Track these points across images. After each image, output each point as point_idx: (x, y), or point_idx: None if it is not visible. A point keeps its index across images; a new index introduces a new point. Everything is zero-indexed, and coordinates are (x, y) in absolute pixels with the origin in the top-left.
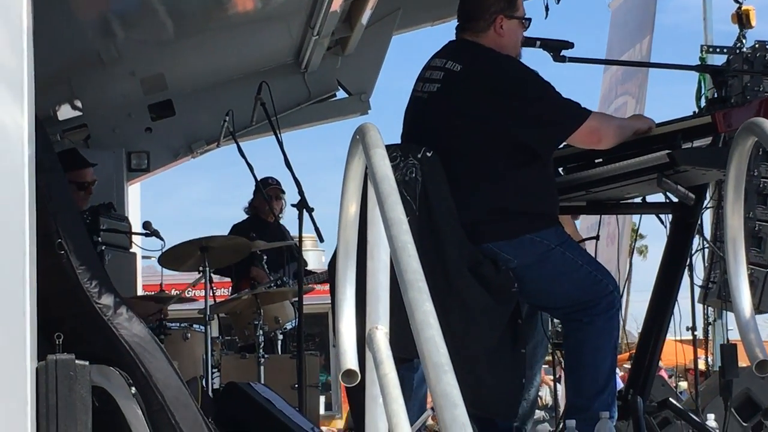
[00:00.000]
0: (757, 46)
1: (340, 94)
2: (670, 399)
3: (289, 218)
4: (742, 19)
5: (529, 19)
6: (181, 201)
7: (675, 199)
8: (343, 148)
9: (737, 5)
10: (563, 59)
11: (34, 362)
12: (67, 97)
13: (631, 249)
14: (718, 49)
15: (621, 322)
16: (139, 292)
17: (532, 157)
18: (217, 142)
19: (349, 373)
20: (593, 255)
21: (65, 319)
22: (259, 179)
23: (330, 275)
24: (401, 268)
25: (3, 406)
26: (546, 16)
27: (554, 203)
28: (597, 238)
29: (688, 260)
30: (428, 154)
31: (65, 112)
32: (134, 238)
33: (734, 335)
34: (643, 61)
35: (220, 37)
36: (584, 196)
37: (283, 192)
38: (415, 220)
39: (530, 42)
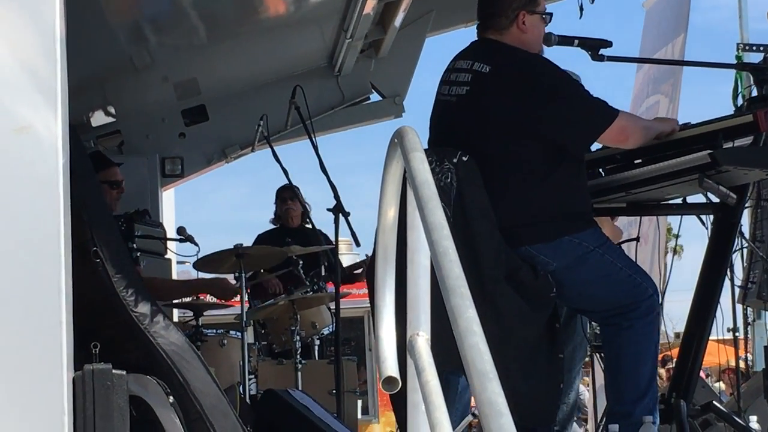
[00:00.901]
0: None
1: (374, 97)
2: (714, 402)
3: (321, 222)
4: None
5: (550, 14)
6: (216, 205)
7: (715, 200)
8: (377, 151)
9: None
10: (602, 58)
11: (70, 372)
12: (101, 104)
13: (668, 249)
14: (754, 47)
15: (661, 326)
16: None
17: (567, 157)
18: (251, 147)
19: (389, 380)
20: (632, 256)
21: (102, 329)
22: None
23: (368, 281)
24: (443, 274)
25: (40, 417)
26: (580, 16)
27: (589, 204)
28: (637, 239)
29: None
30: (464, 159)
31: (99, 119)
32: (169, 243)
33: None
34: (681, 59)
35: (253, 41)
36: (624, 198)
37: (296, 194)
38: (450, 226)
39: (568, 41)
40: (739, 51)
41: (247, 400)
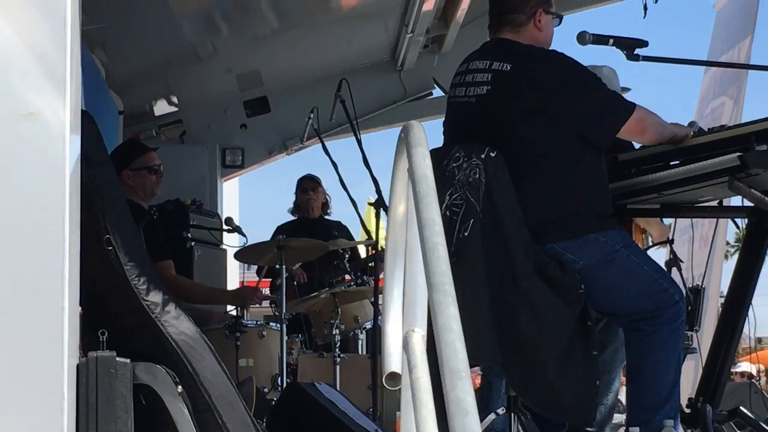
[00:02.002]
0: None
1: (437, 92)
2: (741, 408)
3: (340, 214)
4: None
5: (561, 17)
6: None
7: (750, 203)
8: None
9: None
10: (637, 58)
11: (74, 359)
12: (164, 93)
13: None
14: None
15: (684, 335)
16: (232, 286)
17: (589, 156)
18: (301, 139)
19: (392, 376)
20: (687, 258)
21: (114, 316)
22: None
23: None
24: (429, 270)
25: (42, 403)
26: (644, 16)
27: (610, 205)
28: (670, 241)
29: None
30: (492, 155)
31: (161, 108)
32: (226, 234)
33: None
34: (723, 62)
35: (316, 34)
36: (657, 199)
37: (320, 185)
38: (479, 222)
39: (603, 40)
40: None
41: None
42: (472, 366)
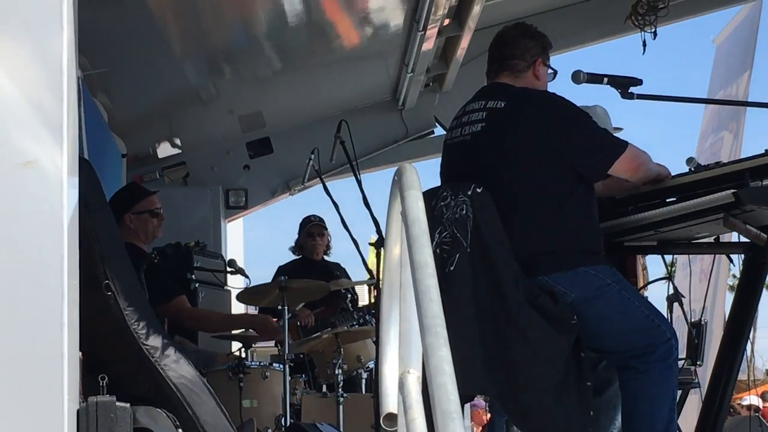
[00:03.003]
0: None
1: (438, 131)
2: None
3: (342, 254)
4: None
5: (556, 71)
6: (285, 231)
7: (746, 239)
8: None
9: None
10: (631, 96)
11: (74, 404)
12: (167, 136)
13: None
14: None
15: (678, 371)
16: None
17: (580, 190)
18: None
19: (390, 417)
20: (686, 292)
21: (114, 361)
22: (303, 218)
23: (376, 317)
24: (421, 312)
25: None
26: (644, 52)
27: (601, 242)
28: (669, 278)
29: None
30: (478, 190)
31: (165, 150)
32: (230, 275)
33: None
34: (717, 98)
35: (318, 75)
36: (654, 236)
37: (326, 229)
38: (467, 255)
39: (597, 78)
40: None
41: None
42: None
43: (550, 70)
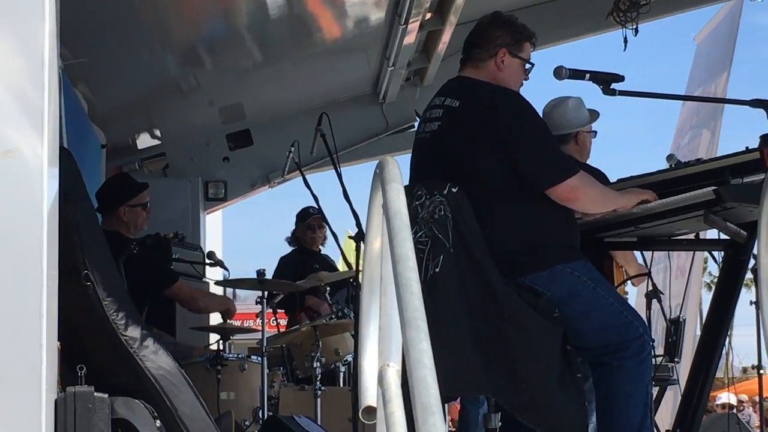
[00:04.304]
0: None
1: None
2: None
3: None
4: None
5: (532, 65)
6: (264, 223)
7: (727, 236)
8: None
9: None
10: (613, 92)
11: (52, 394)
12: (147, 126)
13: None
14: None
15: (653, 367)
16: (215, 320)
17: None
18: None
19: (369, 410)
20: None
21: (93, 351)
22: (301, 210)
23: (355, 310)
24: (402, 306)
25: None
26: (624, 48)
27: (578, 238)
28: (648, 274)
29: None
30: (453, 190)
31: (144, 141)
32: (208, 267)
33: None
34: (697, 95)
35: (299, 67)
36: (634, 232)
37: (325, 221)
38: (451, 257)
39: (579, 74)
40: None
41: None
42: (457, 397)
43: (527, 65)
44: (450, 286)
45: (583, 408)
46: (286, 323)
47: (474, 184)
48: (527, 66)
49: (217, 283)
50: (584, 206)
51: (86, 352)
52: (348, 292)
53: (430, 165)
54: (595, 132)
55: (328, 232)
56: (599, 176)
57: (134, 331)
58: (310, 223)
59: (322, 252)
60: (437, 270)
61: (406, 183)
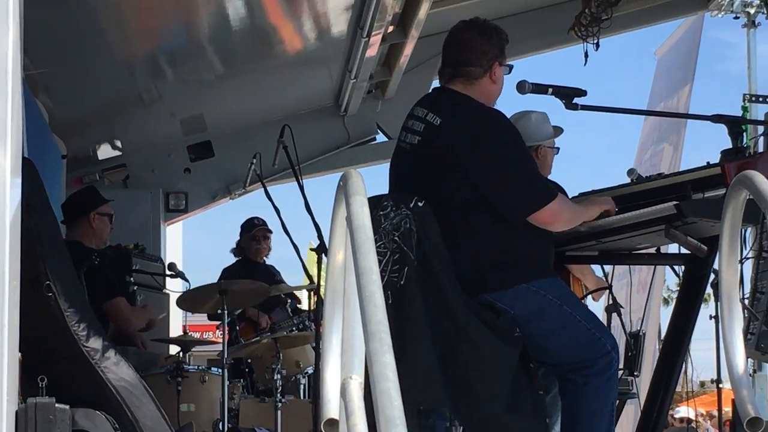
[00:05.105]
0: None
1: (380, 137)
2: None
3: (282, 258)
4: None
5: (511, 67)
6: (225, 235)
7: (687, 251)
8: (382, 191)
9: None
10: (575, 107)
11: (13, 405)
12: (108, 137)
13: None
14: (761, 98)
15: (617, 384)
16: (176, 330)
17: None
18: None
19: (331, 422)
20: (626, 303)
21: (54, 362)
22: (245, 220)
23: (317, 323)
24: (366, 319)
25: None
26: (585, 63)
27: (549, 253)
28: (609, 288)
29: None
30: (420, 204)
31: (105, 152)
32: (169, 278)
33: None
34: (658, 110)
35: (260, 80)
36: (595, 246)
37: (270, 232)
38: (415, 269)
39: (542, 89)
40: (746, 101)
41: None
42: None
43: (505, 67)
44: (414, 298)
45: (542, 426)
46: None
47: (443, 200)
48: (505, 68)
49: (178, 302)
50: (560, 228)
51: (47, 363)
52: (287, 310)
53: (406, 178)
54: (558, 148)
55: (273, 245)
56: (559, 190)
57: (96, 342)
58: (255, 234)
59: (266, 263)
60: (402, 282)
61: (371, 195)
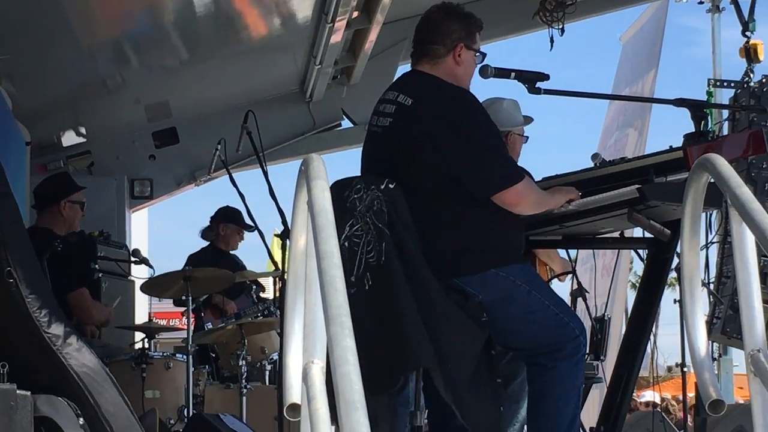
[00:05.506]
0: (764, 80)
1: (346, 123)
2: None
3: (247, 245)
4: (749, 53)
5: (484, 54)
6: (190, 222)
7: (651, 235)
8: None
9: (745, 39)
10: (538, 91)
11: None
12: (72, 124)
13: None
14: (725, 83)
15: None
16: (141, 317)
17: None
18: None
19: (293, 407)
20: (591, 287)
21: (15, 349)
22: (234, 209)
23: (281, 308)
24: (326, 303)
25: None
26: (551, 48)
27: (519, 238)
28: (573, 272)
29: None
30: (390, 186)
31: (70, 139)
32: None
33: (740, 370)
34: (622, 95)
35: (225, 66)
36: (559, 230)
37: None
38: (393, 245)
39: (505, 73)
40: (710, 86)
41: None
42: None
43: (478, 54)
44: (397, 272)
45: (497, 413)
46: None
47: (415, 183)
48: (478, 55)
49: (142, 287)
50: (525, 211)
51: (8, 350)
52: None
53: (378, 160)
54: (527, 137)
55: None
56: (527, 176)
57: (57, 329)
58: (232, 223)
59: (231, 253)
60: (383, 259)
61: (332, 180)
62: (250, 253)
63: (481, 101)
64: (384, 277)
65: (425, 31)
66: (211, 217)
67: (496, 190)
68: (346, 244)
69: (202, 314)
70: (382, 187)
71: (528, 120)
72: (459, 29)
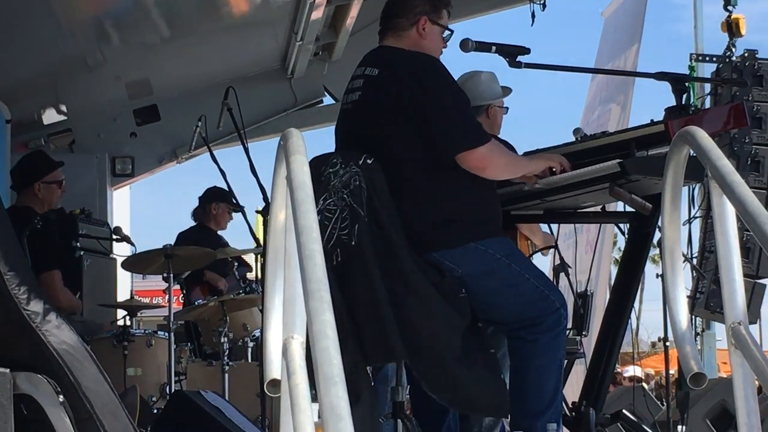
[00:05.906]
0: (746, 54)
1: (327, 100)
2: (624, 411)
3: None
4: (731, 27)
5: (452, 31)
6: (172, 199)
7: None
8: None
9: (727, 14)
10: (519, 65)
11: None
12: (53, 102)
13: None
14: (707, 58)
15: (566, 341)
16: (123, 295)
17: None
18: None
19: (274, 383)
20: (572, 262)
21: None
22: (209, 188)
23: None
24: (306, 277)
25: None
26: (532, 24)
27: (497, 212)
28: (555, 246)
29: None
30: (369, 161)
31: (50, 117)
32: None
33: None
34: (603, 68)
35: (206, 42)
36: (540, 205)
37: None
38: (365, 225)
39: (485, 47)
40: (692, 61)
41: None
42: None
43: (446, 32)
44: (368, 255)
45: (500, 381)
46: (182, 299)
47: (389, 155)
48: (446, 34)
49: (123, 264)
50: (494, 174)
51: None
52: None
53: (351, 136)
54: (507, 108)
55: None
56: (509, 148)
57: (37, 305)
58: (223, 202)
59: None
60: (355, 240)
61: (315, 156)
62: (234, 232)
63: (458, 77)
64: (355, 259)
65: (390, 6)
66: (200, 197)
67: (459, 149)
68: (319, 217)
69: (191, 291)
70: (360, 162)
71: (507, 91)
72: (423, 3)
